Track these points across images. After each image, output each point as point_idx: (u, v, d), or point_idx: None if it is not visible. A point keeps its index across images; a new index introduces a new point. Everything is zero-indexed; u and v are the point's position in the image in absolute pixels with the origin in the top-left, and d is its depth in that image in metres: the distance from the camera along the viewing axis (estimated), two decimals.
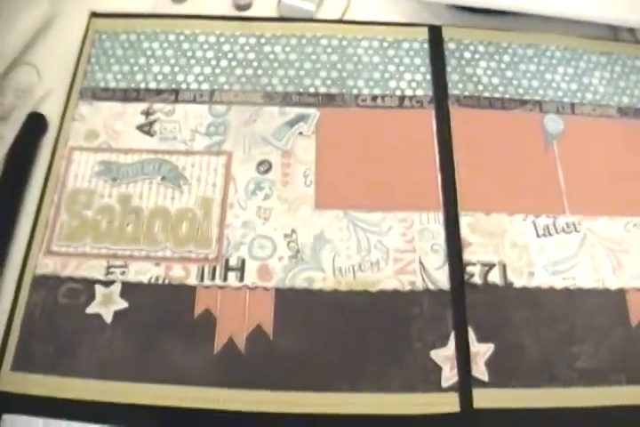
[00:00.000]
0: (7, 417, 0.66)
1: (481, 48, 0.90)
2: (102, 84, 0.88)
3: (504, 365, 0.70)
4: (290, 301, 0.73)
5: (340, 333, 0.71)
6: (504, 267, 0.75)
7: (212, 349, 0.70)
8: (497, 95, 0.87)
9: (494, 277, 0.75)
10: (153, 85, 0.87)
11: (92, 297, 0.73)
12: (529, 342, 0.72)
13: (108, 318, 0.72)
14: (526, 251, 0.77)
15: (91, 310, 0.73)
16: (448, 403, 0.68)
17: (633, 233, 0.78)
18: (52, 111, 0.87)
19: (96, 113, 0.86)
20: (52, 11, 0.93)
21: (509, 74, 0.89)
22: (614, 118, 0.86)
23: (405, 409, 0.68)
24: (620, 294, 0.75)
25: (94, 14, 0.93)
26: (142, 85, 0.87)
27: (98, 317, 0.72)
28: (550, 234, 0.77)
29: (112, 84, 0.87)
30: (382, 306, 0.73)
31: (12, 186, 0.80)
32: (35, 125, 0.85)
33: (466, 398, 0.69)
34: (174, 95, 0.87)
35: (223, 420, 0.68)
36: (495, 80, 0.88)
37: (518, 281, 0.75)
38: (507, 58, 0.90)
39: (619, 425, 0.69)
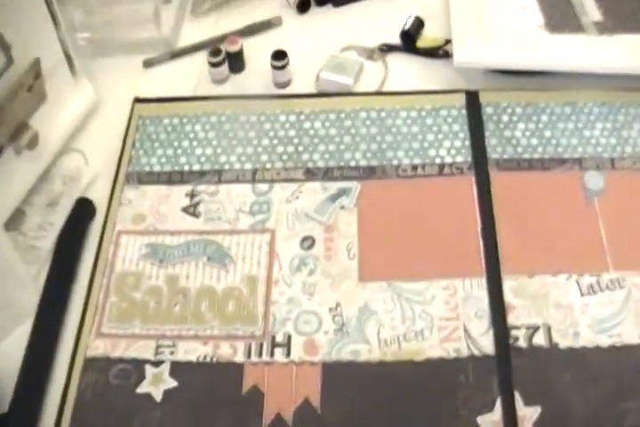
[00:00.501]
0: None
1: (518, 110, 0.93)
2: (147, 168, 0.93)
3: None
4: (336, 374, 0.75)
5: (386, 404, 0.73)
6: (549, 329, 0.77)
7: (261, 425, 0.73)
8: (536, 156, 0.90)
9: (539, 339, 0.76)
10: (197, 167, 0.92)
11: (142, 377, 0.77)
12: (576, 402, 0.72)
13: (159, 397, 0.75)
14: (570, 311, 0.78)
15: (141, 389, 0.76)
16: None
17: None
18: (99, 196, 0.92)
19: (142, 197, 0.90)
20: (97, 97, 0.98)
21: (548, 133, 0.92)
22: None
23: None
24: None
25: (137, 100, 0.98)
26: (186, 168, 0.92)
27: (148, 396, 0.75)
28: (594, 292, 0.79)
29: (157, 168, 0.92)
30: (428, 375, 0.75)
31: (62, 271, 0.84)
32: (83, 211, 0.90)
33: None
34: (217, 176, 0.92)
35: None
36: (534, 141, 0.91)
37: (563, 342, 0.76)
38: (544, 118, 0.92)
39: None
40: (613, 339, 0.76)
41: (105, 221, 0.89)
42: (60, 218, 0.89)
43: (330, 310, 0.79)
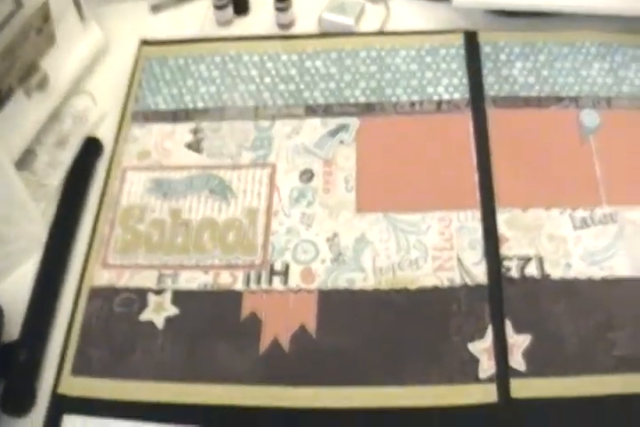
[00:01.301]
0: (67, 418, 0.70)
1: (516, 49, 0.92)
2: (153, 107, 0.93)
3: (541, 355, 0.71)
4: (332, 301, 0.76)
5: (380, 330, 0.74)
6: (541, 260, 0.76)
7: (258, 349, 0.73)
8: (533, 94, 0.89)
9: (531, 269, 0.76)
10: (200, 105, 0.92)
11: (144, 305, 0.77)
12: (566, 331, 0.72)
13: (160, 325, 0.76)
14: (563, 243, 0.77)
15: (144, 317, 0.76)
16: (486, 393, 0.70)
17: None
18: (106, 135, 0.92)
19: (147, 134, 0.90)
20: (105, 40, 0.98)
21: (545, 73, 0.91)
22: None
23: (445, 400, 0.70)
24: None
25: (144, 42, 0.98)
26: (190, 106, 0.92)
27: (150, 323, 0.76)
28: (587, 226, 0.78)
29: (162, 107, 0.92)
30: (421, 303, 0.75)
31: (70, 206, 0.85)
32: (90, 149, 0.90)
33: (503, 389, 0.70)
34: (220, 113, 0.91)
35: (269, 416, 0.70)
36: (531, 79, 0.90)
37: (555, 273, 0.76)
38: (542, 57, 0.91)
39: None
40: (605, 271, 0.75)
41: (111, 158, 0.89)
42: (68, 156, 0.89)
43: (327, 239, 0.79)
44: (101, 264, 0.80)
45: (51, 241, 0.83)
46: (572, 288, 0.75)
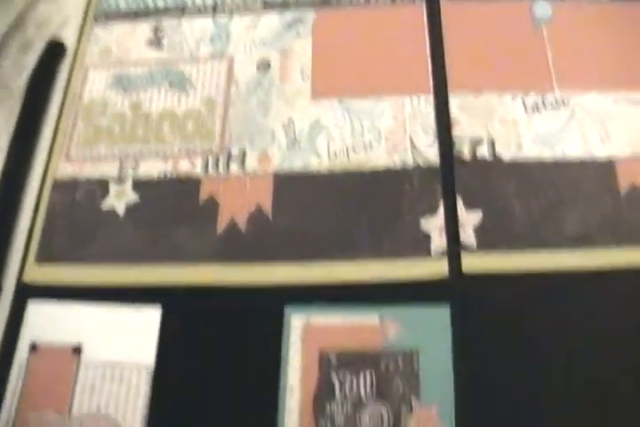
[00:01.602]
0: (32, 304, 0.71)
1: None
2: (114, 7, 0.92)
3: (492, 231, 0.71)
4: (287, 184, 0.76)
5: (335, 210, 0.74)
6: (492, 142, 0.76)
7: (216, 231, 0.74)
8: None
9: (483, 151, 0.76)
10: (161, 4, 0.89)
11: (106, 194, 0.77)
12: (517, 209, 0.72)
13: (121, 211, 0.76)
14: (515, 126, 0.77)
15: (105, 205, 0.77)
16: (437, 268, 0.70)
17: (621, 107, 0.78)
18: (70, 38, 0.91)
19: (109, 34, 0.90)
20: None
21: None
22: (603, 3, 0.86)
23: (397, 275, 0.70)
24: (609, 164, 0.75)
25: None
26: (151, 5, 0.90)
27: (112, 211, 0.77)
28: (539, 110, 0.77)
29: (123, 6, 0.92)
30: (374, 183, 0.75)
31: (34, 104, 0.85)
32: (54, 51, 0.89)
33: (454, 264, 0.70)
34: (180, 11, 0.89)
35: (226, 293, 0.71)
36: None
37: (507, 154, 0.76)
38: None
39: (608, 287, 0.69)
40: (556, 153, 0.75)
41: (74, 59, 0.88)
42: (33, 59, 0.88)
43: (283, 125, 0.79)
44: (64, 157, 0.80)
45: (15, 138, 0.82)
46: (523, 169, 0.74)
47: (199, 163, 0.77)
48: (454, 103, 0.78)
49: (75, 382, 0.68)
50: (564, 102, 0.77)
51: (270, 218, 0.73)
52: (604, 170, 0.75)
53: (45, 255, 0.74)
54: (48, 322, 0.70)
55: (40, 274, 0.73)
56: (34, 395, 0.67)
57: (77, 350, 0.69)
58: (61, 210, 0.77)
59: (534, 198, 0.73)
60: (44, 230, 0.76)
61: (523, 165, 0.75)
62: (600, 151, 0.75)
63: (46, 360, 0.69)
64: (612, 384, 0.64)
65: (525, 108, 0.78)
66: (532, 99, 0.78)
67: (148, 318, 0.70)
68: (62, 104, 0.84)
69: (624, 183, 0.73)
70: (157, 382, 0.68)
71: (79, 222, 0.76)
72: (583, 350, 0.65)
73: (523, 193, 0.73)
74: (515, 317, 0.67)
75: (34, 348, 0.69)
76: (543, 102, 0.78)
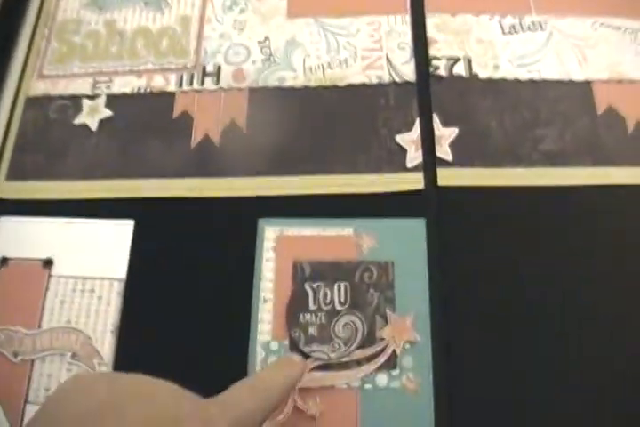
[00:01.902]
0: (3, 220, 0.70)
1: None
2: None
3: (468, 146, 0.70)
4: (262, 98, 0.73)
5: (310, 124, 0.71)
6: (469, 61, 0.74)
7: (189, 144, 0.71)
8: None
9: (459, 69, 0.74)
10: None
11: (79, 110, 0.75)
12: (493, 126, 0.71)
13: (94, 127, 0.74)
14: (492, 46, 0.75)
15: (78, 121, 0.74)
16: (413, 181, 0.68)
17: (599, 31, 0.76)
18: None
19: None
20: None
21: None
22: None
23: (372, 188, 0.68)
24: (586, 85, 0.73)
25: None
26: None
27: (84, 126, 0.74)
28: (516, 32, 0.75)
29: None
30: (350, 99, 0.73)
31: (6, 25, 0.82)
32: None
33: (430, 177, 0.69)
34: None
35: (199, 206, 0.69)
36: None
37: (483, 73, 0.74)
38: None
39: (581, 204, 0.68)
40: (532, 74, 0.73)
41: None
42: None
43: (259, 42, 0.76)
44: (37, 75, 0.78)
45: None
46: (499, 87, 0.73)
47: (173, 79, 0.75)
48: (431, 23, 0.76)
49: (45, 296, 0.66)
50: (541, 25, 0.75)
51: (245, 131, 0.71)
52: (580, 91, 0.73)
53: (17, 172, 0.72)
54: (19, 237, 0.68)
55: (12, 190, 0.71)
56: (3, 309, 0.65)
57: (48, 263, 0.67)
58: (33, 127, 0.74)
59: (510, 116, 0.71)
60: (16, 148, 0.73)
61: (499, 84, 0.73)
62: (577, 74, 0.73)
63: (16, 274, 0.67)
64: (574, 295, 0.64)
65: (502, 29, 0.76)
66: (509, 20, 0.76)
67: (121, 233, 0.68)
68: (36, 24, 0.82)
69: (600, 105, 0.72)
70: (128, 295, 0.66)
71: (51, 139, 0.73)
72: (554, 260, 0.65)
73: (499, 111, 0.71)
74: (488, 229, 0.66)
75: (4, 262, 0.67)
76: (520, 24, 0.76)
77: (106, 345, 0.63)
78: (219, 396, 0.48)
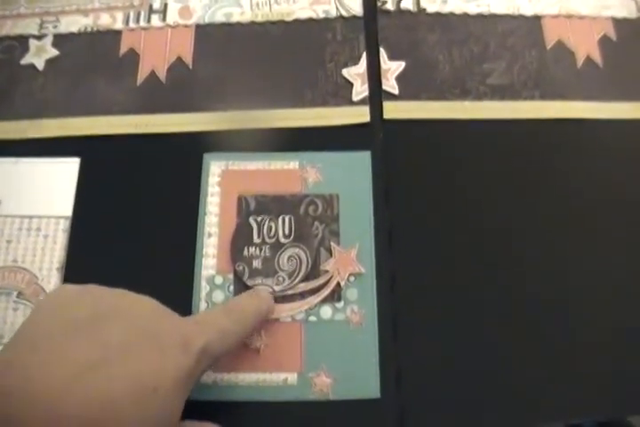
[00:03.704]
0: None
1: None
2: None
3: (415, 80, 0.66)
4: (209, 35, 0.69)
5: (256, 59, 0.67)
6: None
7: (136, 81, 0.67)
8: None
9: (407, 3, 0.70)
10: None
11: (25, 50, 0.70)
12: (441, 60, 0.67)
13: (41, 66, 0.69)
14: None
15: (24, 61, 0.69)
16: (359, 114, 0.64)
17: None
18: None
19: None
20: None
21: None
22: None
23: (320, 122, 0.64)
24: (536, 20, 0.70)
25: None
26: None
27: (31, 66, 0.69)
28: None
29: None
30: (297, 34, 0.68)
31: None
32: None
33: (376, 110, 0.65)
34: None
35: (145, 142, 0.65)
36: None
37: (431, 7, 0.70)
38: None
39: (527, 138, 0.65)
40: (481, 8, 0.70)
41: None
42: None
43: None
44: None
45: None
46: (447, 21, 0.69)
47: (120, 17, 0.70)
48: None
49: None
50: None
51: (191, 67, 0.67)
52: (530, 25, 0.69)
53: None
54: None
55: None
56: None
57: None
58: None
59: (459, 50, 0.67)
60: None
61: (448, 18, 0.69)
62: (527, 9, 0.70)
63: None
64: (517, 220, 0.62)
65: None
66: None
67: (66, 171, 0.64)
68: None
69: (550, 39, 0.68)
70: (74, 232, 0.61)
71: None
72: (497, 190, 0.62)
73: (447, 45, 0.67)
74: (433, 162, 0.63)
75: None
76: None
77: (52, 283, 0.60)
78: (196, 315, 0.50)
